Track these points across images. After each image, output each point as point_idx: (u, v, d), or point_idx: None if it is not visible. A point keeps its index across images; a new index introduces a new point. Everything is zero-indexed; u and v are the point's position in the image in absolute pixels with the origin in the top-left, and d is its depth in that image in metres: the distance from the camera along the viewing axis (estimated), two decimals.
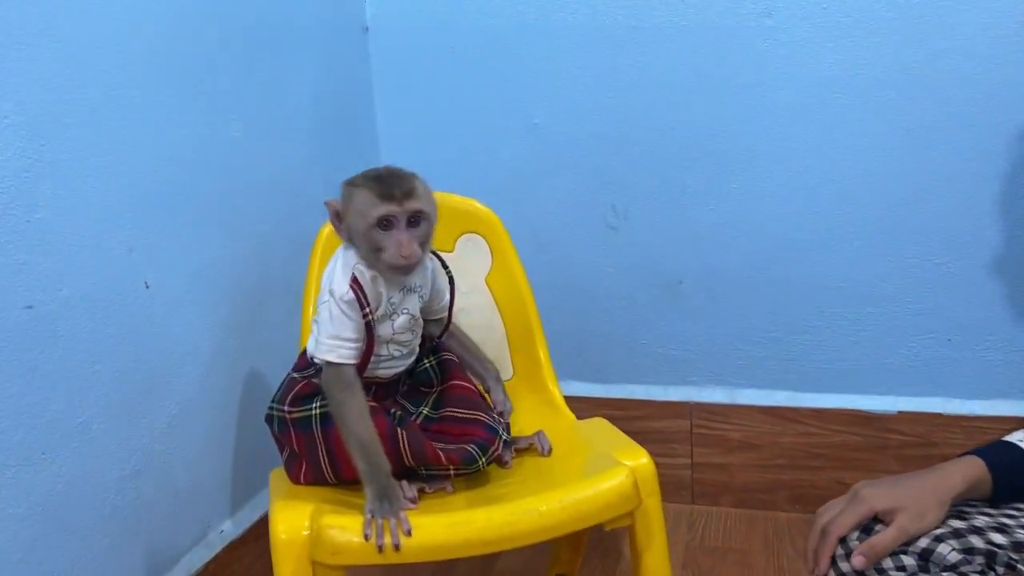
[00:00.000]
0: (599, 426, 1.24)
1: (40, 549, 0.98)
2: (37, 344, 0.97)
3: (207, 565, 1.23)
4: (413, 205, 1.00)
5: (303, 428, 1.06)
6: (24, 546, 0.96)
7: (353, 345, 1.03)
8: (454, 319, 1.17)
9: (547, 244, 1.70)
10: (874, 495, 0.98)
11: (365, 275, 1.03)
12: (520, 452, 1.17)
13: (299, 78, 1.48)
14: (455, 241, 1.33)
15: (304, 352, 1.10)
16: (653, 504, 1.07)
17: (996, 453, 1.04)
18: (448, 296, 1.15)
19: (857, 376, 1.61)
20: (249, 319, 1.34)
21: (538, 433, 1.17)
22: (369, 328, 1.03)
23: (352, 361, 1.04)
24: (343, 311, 1.03)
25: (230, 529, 1.30)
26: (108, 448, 1.08)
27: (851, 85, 1.50)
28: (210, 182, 1.25)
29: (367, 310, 1.02)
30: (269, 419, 1.10)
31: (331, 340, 1.03)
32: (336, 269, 1.05)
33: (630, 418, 1.69)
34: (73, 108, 1.02)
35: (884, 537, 0.94)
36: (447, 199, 1.31)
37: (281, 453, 1.11)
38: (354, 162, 1.58)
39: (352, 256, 1.04)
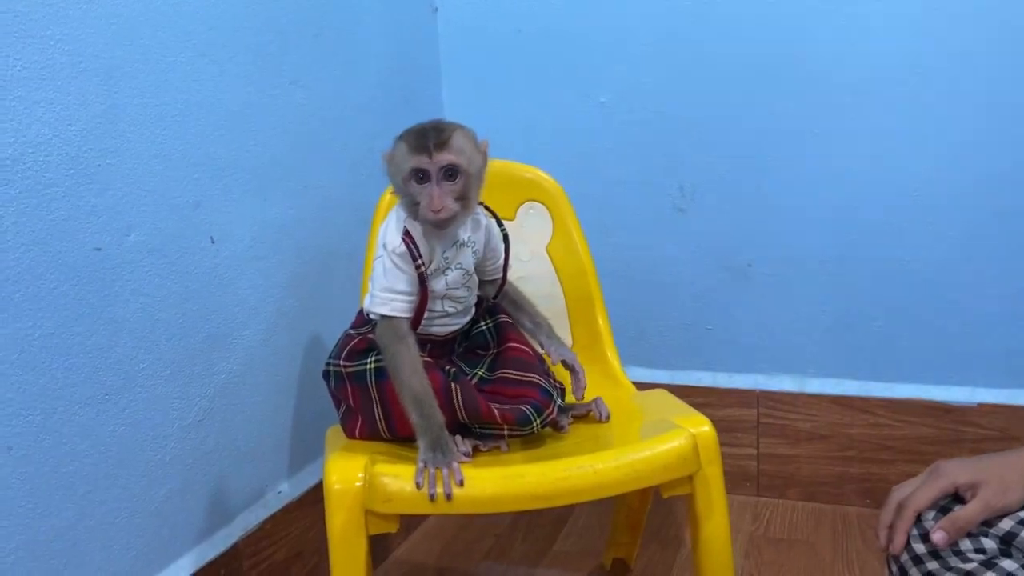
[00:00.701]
0: (660, 396, 1.21)
1: (102, 487, 1.00)
2: (104, 286, 1.00)
3: (263, 523, 1.24)
4: (445, 158, 0.99)
5: (358, 382, 1.06)
6: (88, 481, 0.98)
7: (406, 299, 1.03)
8: (509, 279, 1.16)
9: (612, 226, 1.68)
10: (955, 469, 0.93)
11: (417, 229, 1.03)
12: (578, 419, 1.15)
13: (366, 53, 1.49)
14: (516, 209, 1.33)
15: (361, 311, 1.10)
16: (714, 473, 1.03)
17: None
18: (503, 256, 1.14)
19: (933, 365, 1.55)
20: (311, 283, 1.36)
21: (596, 400, 1.15)
22: (422, 281, 1.03)
23: (405, 315, 1.03)
24: (396, 264, 1.02)
25: (288, 490, 1.31)
26: (170, 396, 1.09)
27: (932, 62, 1.45)
28: (276, 146, 1.27)
29: (419, 262, 1.02)
30: (326, 375, 1.10)
31: (384, 293, 1.03)
32: (390, 224, 1.05)
33: (694, 405, 1.62)
34: (148, 60, 1.04)
35: (967, 511, 0.88)
36: (508, 167, 1.31)
37: (337, 409, 1.11)
38: None
39: (404, 211, 1.04)
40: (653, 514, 1.60)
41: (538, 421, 1.05)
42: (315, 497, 1.32)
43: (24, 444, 0.91)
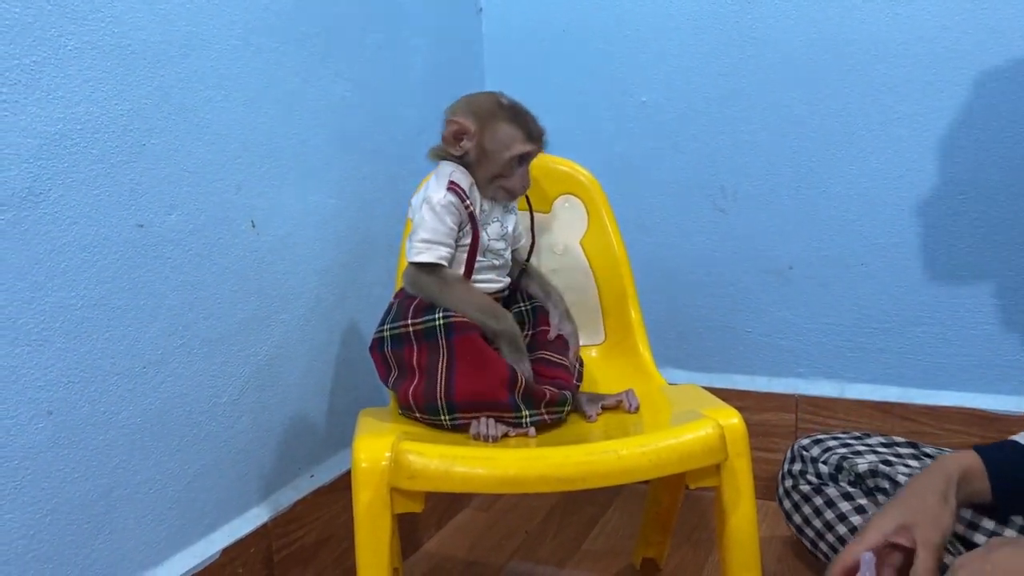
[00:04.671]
0: (691, 390, 1.20)
1: (137, 458, 1.03)
2: (145, 262, 1.03)
3: (294, 506, 1.26)
4: (543, 147, 1.15)
5: (427, 339, 1.06)
6: (123, 451, 1.01)
7: (448, 249, 1.08)
8: (534, 263, 1.25)
9: (651, 226, 1.67)
10: (877, 522, 0.95)
11: (464, 181, 1.11)
12: (608, 409, 1.15)
13: (411, 51, 1.52)
14: (552, 202, 1.33)
15: (403, 288, 1.13)
16: (742, 465, 1.02)
17: (995, 448, 1.02)
18: (528, 235, 1.24)
19: (978, 373, 1.51)
20: (349, 272, 1.38)
21: (627, 391, 1.15)
22: (473, 220, 1.09)
23: (447, 263, 1.09)
24: (438, 215, 1.07)
25: (320, 475, 1.33)
26: (205, 374, 1.12)
27: (980, 60, 1.42)
28: (318, 136, 1.30)
29: (468, 202, 1.08)
30: (379, 342, 1.11)
31: (424, 243, 1.07)
32: (431, 182, 1.11)
33: None
34: (195, 45, 1.08)
35: (920, 565, 0.89)
36: (544, 160, 1.32)
37: (387, 377, 1.11)
38: None
39: (449, 167, 1.11)
40: (686, 517, 1.59)
41: (568, 406, 1.08)
42: (346, 483, 1.32)
43: (64, 410, 0.94)
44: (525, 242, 1.24)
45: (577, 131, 1.69)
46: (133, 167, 1.01)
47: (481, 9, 1.73)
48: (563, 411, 1.07)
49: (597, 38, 1.66)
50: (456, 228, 1.09)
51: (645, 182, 1.67)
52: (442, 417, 1.05)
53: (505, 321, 1.08)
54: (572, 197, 1.33)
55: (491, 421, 1.04)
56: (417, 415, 1.07)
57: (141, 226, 1.02)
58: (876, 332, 1.57)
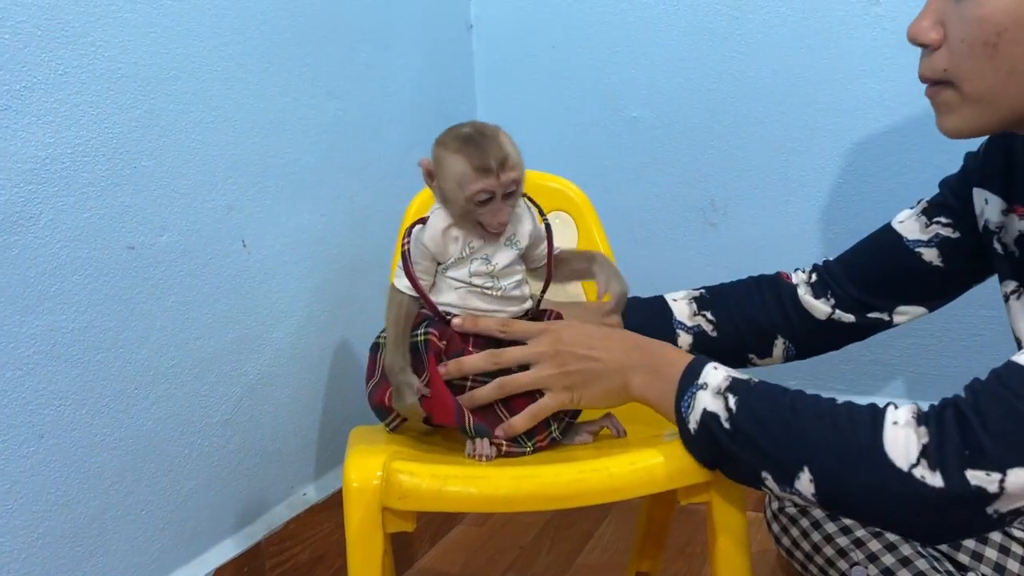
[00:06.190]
0: None
1: (128, 480, 1.03)
2: (136, 283, 1.03)
3: (287, 524, 1.26)
4: (509, 176, 0.97)
5: (413, 352, 1.01)
6: (114, 473, 1.01)
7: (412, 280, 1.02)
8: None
9: (642, 239, 1.68)
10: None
11: (435, 225, 1.01)
12: (593, 435, 1.11)
13: (401, 68, 1.53)
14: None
15: None
16: (732, 482, 1.03)
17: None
18: (545, 244, 1.08)
19: (962, 382, 1.51)
20: (341, 290, 1.38)
21: (608, 417, 1.09)
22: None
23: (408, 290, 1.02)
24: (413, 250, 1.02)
25: (313, 494, 1.33)
26: (197, 394, 1.12)
27: None
28: (309, 155, 1.30)
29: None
30: (375, 346, 1.07)
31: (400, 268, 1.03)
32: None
33: None
34: (185, 68, 1.08)
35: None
36: (533, 176, 1.32)
37: (369, 380, 1.07)
38: None
39: (450, 218, 1.01)
40: (679, 529, 1.59)
41: (530, 446, 1.02)
42: (340, 501, 1.33)
43: (55, 433, 0.94)
44: (542, 251, 1.09)
45: (567, 147, 1.70)
46: (124, 189, 1.01)
47: (472, 26, 1.74)
48: (525, 450, 1.02)
49: (587, 54, 1.67)
50: (428, 263, 1.03)
51: (636, 197, 1.67)
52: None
53: (391, 358, 0.99)
54: (562, 213, 1.33)
55: (485, 441, 1.03)
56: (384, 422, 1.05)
57: (132, 248, 1.02)
58: (866, 344, 1.57)
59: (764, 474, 0.85)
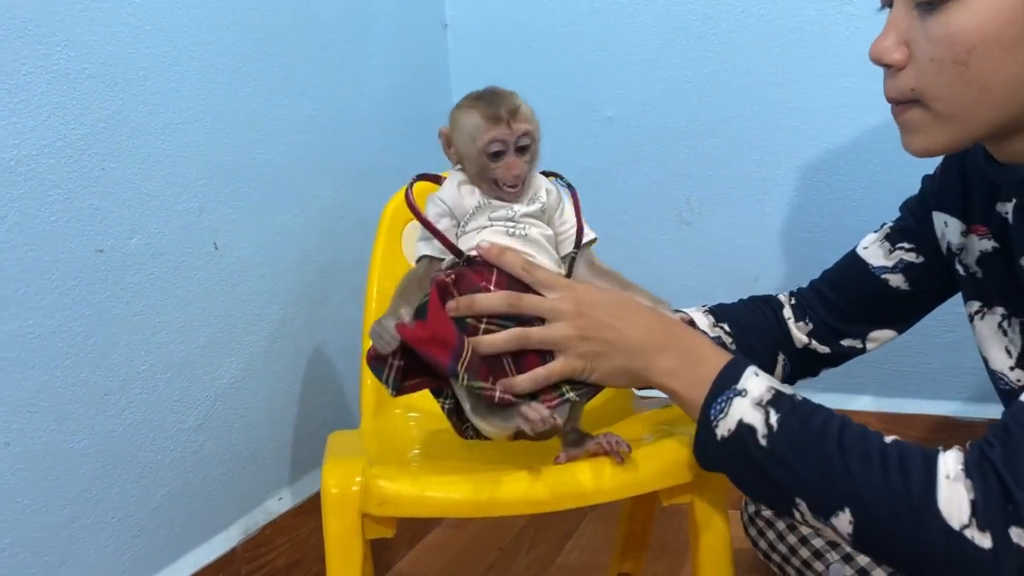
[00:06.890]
0: (665, 412, 1.20)
1: (99, 487, 1.01)
2: (106, 287, 1.01)
3: (263, 529, 1.24)
4: (522, 127, 0.94)
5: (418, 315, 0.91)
6: (83, 480, 0.99)
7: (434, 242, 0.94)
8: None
9: (619, 238, 1.68)
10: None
11: (449, 188, 0.96)
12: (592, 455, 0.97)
13: (376, 68, 1.51)
14: None
15: None
16: (714, 482, 1.02)
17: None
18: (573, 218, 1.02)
19: (942, 380, 1.53)
20: (315, 292, 1.36)
21: (607, 436, 0.97)
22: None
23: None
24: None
25: (288, 498, 1.31)
26: (169, 399, 1.10)
27: None
28: (282, 155, 1.28)
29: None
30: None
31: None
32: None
33: None
34: (155, 68, 1.06)
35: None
36: None
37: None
38: (428, 152, 1.59)
39: (470, 182, 0.96)
40: (661, 527, 1.59)
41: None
42: (316, 505, 1.30)
43: (22, 440, 0.92)
44: (570, 228, 1.02)
45: (543, 146, 1.68)
46: (92, 191, 0.99)
47: (447, 25, 1.73)
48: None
49: (563, 54, 1.66)
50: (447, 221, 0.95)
51: (611, 196, 1.67)
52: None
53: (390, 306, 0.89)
54: None
55: (540, 406, 0.87)
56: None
57: (101, 251, 1.00)
58: None
59: (798, 500, 0.80)
